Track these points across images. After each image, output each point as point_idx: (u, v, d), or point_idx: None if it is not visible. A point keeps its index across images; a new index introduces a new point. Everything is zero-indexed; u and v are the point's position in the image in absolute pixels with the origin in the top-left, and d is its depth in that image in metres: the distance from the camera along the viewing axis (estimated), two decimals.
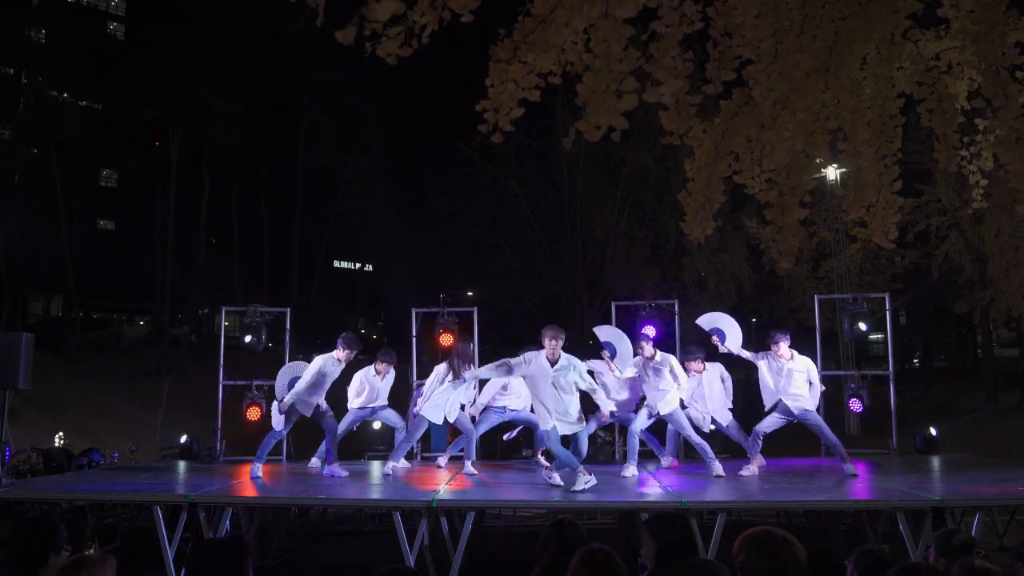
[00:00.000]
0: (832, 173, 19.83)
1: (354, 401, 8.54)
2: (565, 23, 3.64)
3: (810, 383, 7.76)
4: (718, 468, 7.48)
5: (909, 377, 30.13)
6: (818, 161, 5.01)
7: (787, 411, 7.66)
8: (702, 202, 4.93)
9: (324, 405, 8.00)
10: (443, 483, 7.23)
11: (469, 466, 7.98)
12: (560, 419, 6.72)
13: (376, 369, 8.46)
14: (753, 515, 7.87)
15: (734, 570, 2.50)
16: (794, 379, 7.66)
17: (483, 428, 8.42)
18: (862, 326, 10.49)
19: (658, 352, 7.90)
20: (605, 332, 8.49)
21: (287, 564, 7.71)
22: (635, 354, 8.16)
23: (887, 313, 11.00)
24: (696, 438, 7.75)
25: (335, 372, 7.96)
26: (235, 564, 2.51)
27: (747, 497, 6.68)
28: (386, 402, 8.59)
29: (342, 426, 8.31)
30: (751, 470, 7.58)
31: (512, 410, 8.47)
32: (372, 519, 9.37)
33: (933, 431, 9.75)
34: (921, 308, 28.64)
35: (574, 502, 6.55)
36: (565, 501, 6.42)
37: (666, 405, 7.72)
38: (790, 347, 7.78)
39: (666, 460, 8.35)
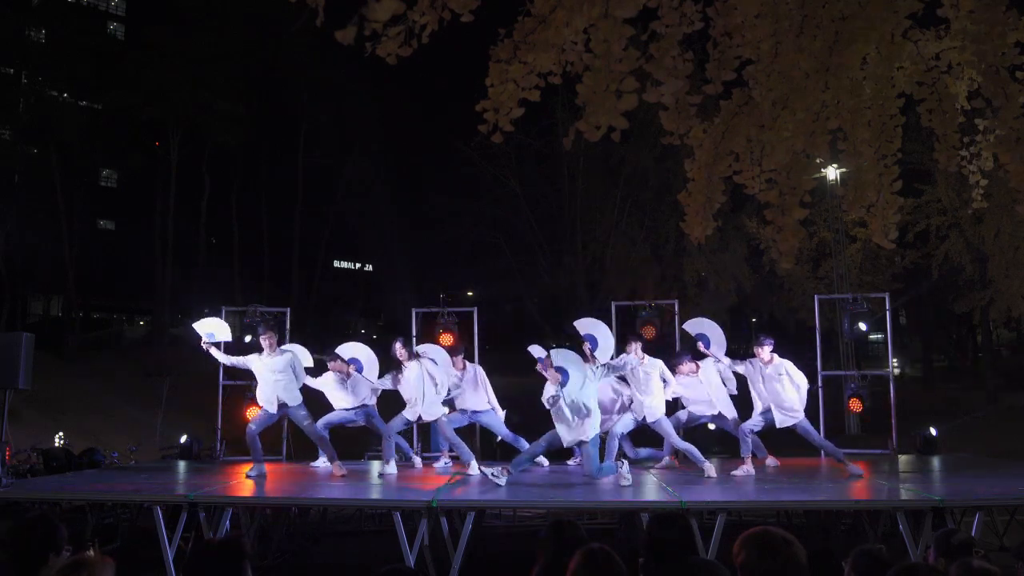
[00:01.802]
0: (832, 173, 19.83)
1: (337, 404, 8.55)
2: (565, 23, 3.64)
3: (798, 386, 7.72)
4: (710, 469, 7.51)
5: (907, 377, 30.16)
6: (818, 161, 5.01)
7: (774, 420, 7.69)
8: (702, 202, 4.93)
9: (301, 413, 7.96)
10: (443, 483, 7.23)
11: (474, 466, 7.96)
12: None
13: (334, 369, 8.39)
14: (753, 515, 7.86)
15: (734, 570, 2.49)
16: (776, 384, 7.63)
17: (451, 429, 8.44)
18: (862, 326, 10.49)
19: (647, 356, 7.88)
20: (585, 325, 8.43)
21: (287, 564, 7.70)
22: (622, 353, 8.14)
23: (887, 313, 11.00)
24: (682, 443, 7.77)
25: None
26: (234, 566, 2.50)
27: (747, 497, 6.68)
28: (363, 402, 8.46)
29: (324, 421, 8.34)
30: (746, 470, 7.58)
31: (475, 411, 8.50)
32: (372, 519, 9.36)
33: (933, 431, 9.75)
34: (921, 308, 28.66)
35: (574, 502, 6.56)
36: (565, 501, 6.43)
37: (651, 412, 7.71)
38: (772, 351, 7.74)
39: (666, 460, 8.35)
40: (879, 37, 4.45)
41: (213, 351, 7.99)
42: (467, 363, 8.63)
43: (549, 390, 6.99)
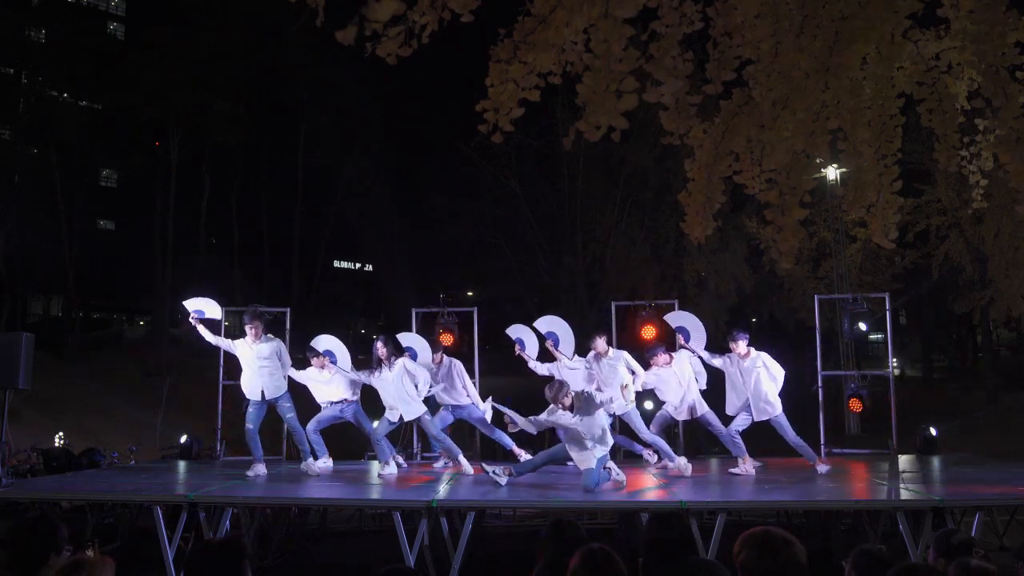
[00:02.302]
0: (832, 173, 19.83)
1: (319, 398, 8.55)
2: (565, 23, 3.63)
3: (774, 378, 7.72)
4: (682, 464, 7.55)
5: (907, 377, 30.17)
6: (818, 161, 5.01)
7: (752, 414, 7.71)
8: (702, 202, 4.92)
9: (286, 405, 7.98)
10: (443, 483, 7.23)
11: (465, 464, 7.97)
12: None
13: (316, 366, 8.39)
14: (753, 515, 7.88)
15: (734, 570, 2.49)
16: (755, 378, 7.65)
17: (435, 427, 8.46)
18: (862, 326, 10.49)
19: (611, 348, 7.86)
20: (546, 323, 8.45)
21: (287, 564, 7.71)
22: (588, 350, 8.15)
23: (887, 313, 10.99)
24: (650, 436, 7.78)
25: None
26: (233, 566, 2.50)
27: (747, 497, 6.68)
28: (346, 397, 8.43)
29: (314, 422, 8.35)
30: (745, 469, 7.60)
31: (455, 406, 8.49)
32: (372, 519, 9.37)
33: (933, 431, 9.75)
34: (921, 308, 28.66)
35: (574, 502, 6.56)
36: (565, 501, 6.42)
37: (622, 404, 7.71)
38: (748, 344, 7.79)
39: (644, 454, 8.40)
40: (879, 37, 4.44)
41: (201, 328, 7.94)
42: (444, 357, 8.61)
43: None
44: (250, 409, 7.93)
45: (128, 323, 38.05)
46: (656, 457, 8.27)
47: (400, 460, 8.79)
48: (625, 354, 7.89)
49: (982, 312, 22.05)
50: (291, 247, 31.98)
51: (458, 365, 8.57)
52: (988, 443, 14.61)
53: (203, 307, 8.06)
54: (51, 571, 2.71)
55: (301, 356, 8.60)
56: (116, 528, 8.16)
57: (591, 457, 6.59)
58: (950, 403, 23.24)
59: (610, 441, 6.80)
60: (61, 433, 13.49)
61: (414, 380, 7.77)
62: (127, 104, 26.20)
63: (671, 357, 8.07)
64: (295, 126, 30.96)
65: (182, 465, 9.32)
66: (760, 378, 7.63)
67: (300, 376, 8.33)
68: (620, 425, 8.53)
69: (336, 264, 41.28)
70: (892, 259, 21.84)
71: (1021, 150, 4.49)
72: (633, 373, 7.87)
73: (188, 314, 8.01)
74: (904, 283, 22.64)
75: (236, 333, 8.43)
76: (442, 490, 6.69)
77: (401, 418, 7.84)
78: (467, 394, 8.50)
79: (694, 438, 10.21)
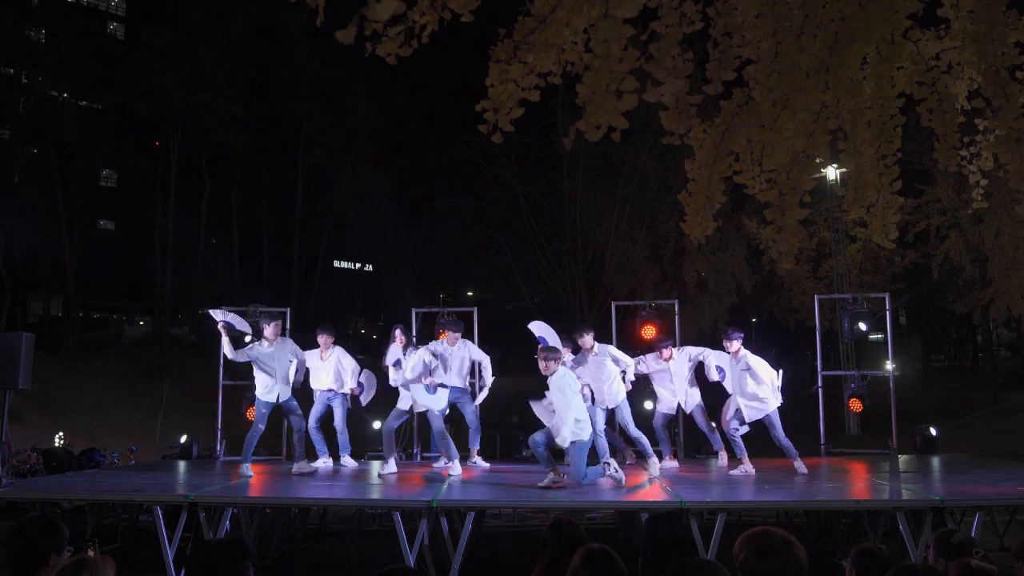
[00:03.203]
0: (832, 173, 19.83)
1: (315, 384, 8.65)
2: (565, 23, 3.64)
3: (761, 381, 7.70)
4: (653, 466, 7.52)
5: (907, 377, 30.16)
6: (818, 161, 5.00)
7: (742, 416, 7.72)
8: (702, 202, 4.92)
9: (293, 403, 8.05)
10: (443, 483, 7.23)
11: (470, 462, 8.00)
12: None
13: (323, 345, 8.55)
14: (753, 515, 7.88)
15: (734, 570, 2.49)
16: (740, 375, 7.68)
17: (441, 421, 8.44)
18: (862, 326, 10.49)
19: (596, 344, 7.88)
20: (539, 327, 8.50)
21: (287, 564, 7.71)
22: (574, 348, 8.14)
23: (887, 313, 11.00)
24: (636, 432, 7.79)
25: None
26: (236, 566, 2.50)
27: (747, 497, 6.69)
28: (333, 387, 8.53)
29: (312, 419, 8.45)
30: (744, 470, 7.63)
31: (453, 388, 8.44)
32: (372, 519, 9.37)
33: (933, 431, 9.77)
34: (921, 308, 28.67)
35: (574, 502, 6.56)
36: (565, 501, 6.42)
37: (612, 398, 7.73)
38: (740, 344, 7.82)
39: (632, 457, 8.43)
40: (879, 37, 4.44)
41: (224, 340, 7.94)
42: (460, 338, 8.58)
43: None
44: (262, 411, 7.95)
45: (128, 323, 38.06)
46: (634, 456, 8.31)
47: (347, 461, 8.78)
48: (610, 348, 7.91)
49: (982, 312, 22.05)
50: (291, 247, 31.98)
51: (473, 350, 8.61)
52: (988, 443, 14.62)
53: (233, 320, 8.09)
54: (51, 571, 2.71)
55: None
56: (116, 528, 8.16)
57: (561, 432, 6.57)
58: (950, 403, 23.24)
59: (587, 434, 6.71)
60: (61, 433, 13.49)
61: (428, 370, 7.85)
62: (127, 104, 26.20)
63: (672, 354, 8.22)
64: (295, 126, 30.95)
65: (182, 465, 9.32)
66: (746, 378, 7.65)
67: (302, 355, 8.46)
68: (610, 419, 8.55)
69: (336, 264, 41.29)
70: (892, 259, 21.86)
71: (1021, 150, 4.49)
72: (617, 362, 7.86)
73: (216, 321, 7.99)
74: (904, 283, 22.65)
75: (236, 333, 8.45)
76: (442, 490, 6.69)
77: (411, 409, 7.91)
78: (463, 381, 8.47)
79: (694, 438, 10.21)
